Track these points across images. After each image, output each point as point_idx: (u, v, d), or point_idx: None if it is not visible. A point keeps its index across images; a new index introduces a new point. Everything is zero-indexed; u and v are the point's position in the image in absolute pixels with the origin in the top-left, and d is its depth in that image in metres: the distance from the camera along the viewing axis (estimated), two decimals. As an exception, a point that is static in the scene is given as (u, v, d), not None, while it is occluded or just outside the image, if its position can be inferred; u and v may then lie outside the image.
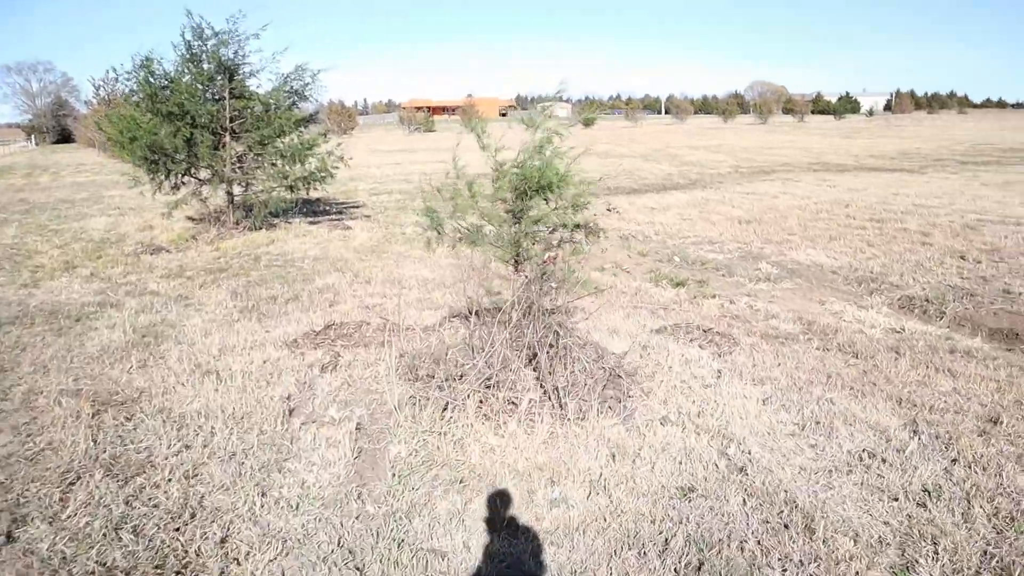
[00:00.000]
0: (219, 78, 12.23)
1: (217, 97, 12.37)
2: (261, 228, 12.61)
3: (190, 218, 14.03)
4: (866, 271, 9.47)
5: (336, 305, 7.84)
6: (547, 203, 5.07)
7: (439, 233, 5.34)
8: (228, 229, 12.49)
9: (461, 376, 4.99)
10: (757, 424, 4.67)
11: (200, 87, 12.03)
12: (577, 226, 5.10)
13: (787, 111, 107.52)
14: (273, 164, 12.63)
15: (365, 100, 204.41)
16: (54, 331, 7.05)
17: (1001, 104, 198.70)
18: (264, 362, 5.94)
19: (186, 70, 12.05)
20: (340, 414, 4.83)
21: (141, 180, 12.20)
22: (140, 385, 5.54)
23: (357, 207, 16.45)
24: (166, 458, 4.31)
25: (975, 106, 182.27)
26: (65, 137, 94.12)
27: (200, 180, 12.61)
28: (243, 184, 12.85)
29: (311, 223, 13.76)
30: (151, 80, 11.56)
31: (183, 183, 12.66)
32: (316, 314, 7.48)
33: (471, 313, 7.11)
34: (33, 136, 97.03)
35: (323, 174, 12.69)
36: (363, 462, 4.23)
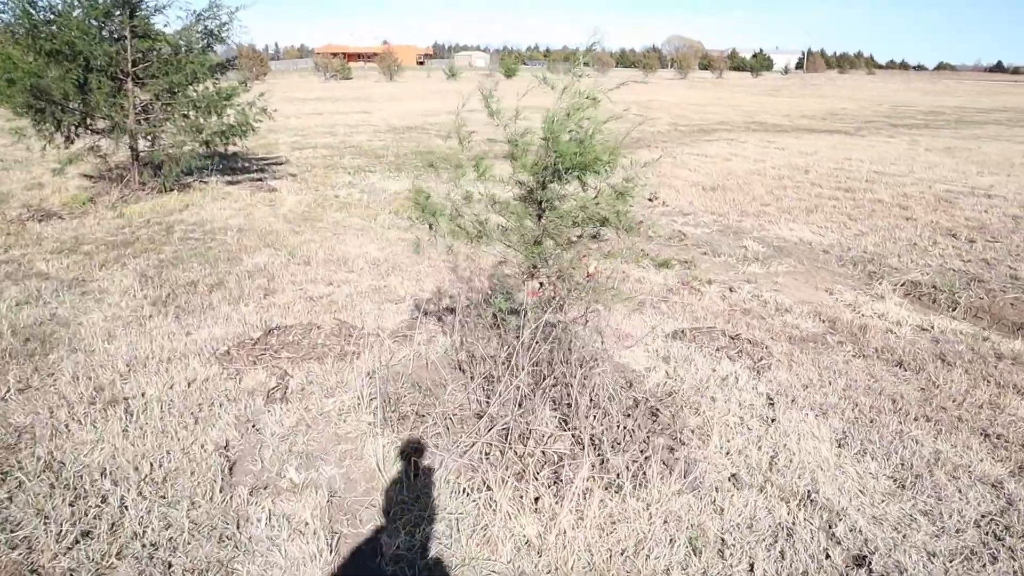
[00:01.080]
0: (117, 13, 10.41)
1: (116, 36, 10.55)
2: (172, 189, 10.94)
3: (87, 176, 12.20)
4: (859, 251, 8.66)
5: (273, 295, 6.47)
6: (584, 189, 3.85)
7: (432, 228, 4.04)
8: (133, 190, 10.79)
9: (461, 418, 3.79)
10: (845, 480, 3.64)
11: (95, 23, 10.19)
12: (612, 220, 3.89)
13: (704, 67, 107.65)
14: (185, 116, 10.93)
15: (276, 45, 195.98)
16: (-93, 334, 5.51)
17: (904, 66, 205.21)
18: (189, 385, 4.59)
19: (76, 2, 10.18)
20: (302, 475, 3.56)
21: (25, 132, 10.36)
22: (19, 422, 4.14)
23: (280, 164, 14.78)
24: (55, 558, 3.00)
25: (880, 67, 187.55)
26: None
27: (98, 132, 10.82)
28: (149, 138, 11.11)
29: (230, 183, 12.13)
30: (32, 12, 9.68)
31: (77, 135, 10.85)
32: (249, 307, 6.12)
33: (445, 310, 5.89)
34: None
35: (244, 128, 11.07)
36: (345, 563, 3.00)
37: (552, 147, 3.64)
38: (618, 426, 3.71)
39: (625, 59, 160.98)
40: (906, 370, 5.19)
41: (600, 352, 4.10)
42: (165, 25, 10.94)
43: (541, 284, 3.95)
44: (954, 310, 6.83)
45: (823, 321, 6.22)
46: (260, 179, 12.77)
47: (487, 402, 3.90)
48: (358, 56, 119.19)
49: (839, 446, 3.99)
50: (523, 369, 3.75)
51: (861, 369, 5.14)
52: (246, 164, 14.37)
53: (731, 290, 7.04)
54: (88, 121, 10.57)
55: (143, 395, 4.44)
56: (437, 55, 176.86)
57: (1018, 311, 6.85)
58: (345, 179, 13.01)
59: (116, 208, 9.96)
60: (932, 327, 6.18)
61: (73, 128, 10.59)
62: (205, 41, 10.96)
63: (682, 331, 5.65)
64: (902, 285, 7.43)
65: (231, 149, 12.40)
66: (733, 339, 5.47)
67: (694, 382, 4.69)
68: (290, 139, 18.72)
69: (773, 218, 10.14)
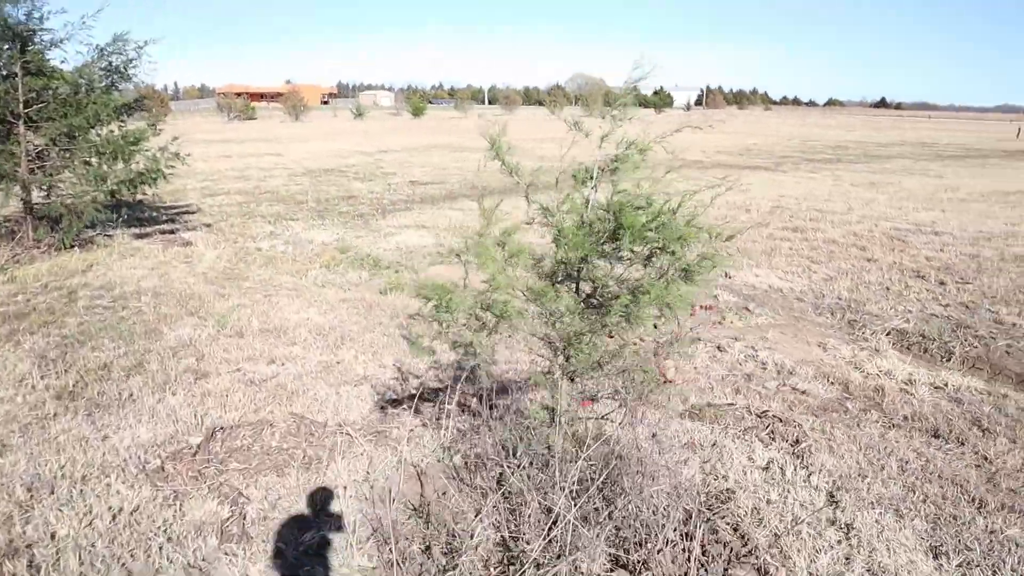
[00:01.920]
0: (6, 47, 9.22)
1: (4, 73, 9.34)
2: (73, 247, 9.70)
3: (-31, 230, 10.82)
4: (833, 297, 8.26)
5: (205, 379, 5.47)
6: (647, 266, 3.10)
7: (443, 326, 3.22)
8: (27, 249, 9.49)
9: (487, 561, 2.97)
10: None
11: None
12: (676, 305, 3.13)
13: (607, 104, 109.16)
14: (87, 163, 9.76)
15: (176, 84, 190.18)
16: None
17: (796, 102, 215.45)
18: (114, 518, 3.59)
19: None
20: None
21: None
22: None
23: (191, 213, 13.58)
24: None
25: (774, 103, 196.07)
26: None
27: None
28: (45, 188, 9.87)
29: (138, 236, 10.93)
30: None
31: (-42, 187, 9.54)
32: (178, 397, 5.11)
33: (419, 398, 5.04)
34: None
35: (154, 175, 9.97)
36: None
37: (613, 221, 2.89)
38: (687, 557, 2.96)
39: (530, 97, 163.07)
40: (947, 441, 4.66)
41: (657, 464, 3.35)
42: (63, 61, 9.73)
43: (593, 398, 3.18)
44: (949, 360, 6.45)
45: (832, 383, 5.67)
46: (172, 231, 11.60)
47: (516, 529, 3.09)
48: (261, 96, 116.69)
49: (935, 557, 3.35)
50: (565, 491, 2.96)
51: (904, 445, 4.56)
52: (154, 214, 13.12)
53: (720, 349, 6.43)
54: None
55: (52, 537, 3.43)
56: (341, 94, 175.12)
57: (1016, 360, 6.50)
58: (266, 229, 11.98)
59: (5, 270, 8.68)
60: (946, 384, 5.72)
61: (-47, 179, 9.28)
62: (109, 79, 9.84)
63: (698, 408, 4.96)
64: (887, 335, 7.01)
65: (137, 197, 11.23)
66: (760, 417, 4.82)
67: (731, 474, 3.99)
68: (199, 184, 17.43)
69: (735, 262, 9.69)
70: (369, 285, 8.61)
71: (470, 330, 3.11)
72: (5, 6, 8.99)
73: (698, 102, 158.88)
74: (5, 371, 5.62)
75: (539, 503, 3.14)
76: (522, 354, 5.55)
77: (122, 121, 10.08)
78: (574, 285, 3.20)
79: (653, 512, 3.21)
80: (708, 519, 3.37)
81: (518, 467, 3.29)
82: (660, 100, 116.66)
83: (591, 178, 3.18)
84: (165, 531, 3.47)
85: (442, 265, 9.64)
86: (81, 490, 3.85)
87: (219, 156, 25.36)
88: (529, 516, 3.14)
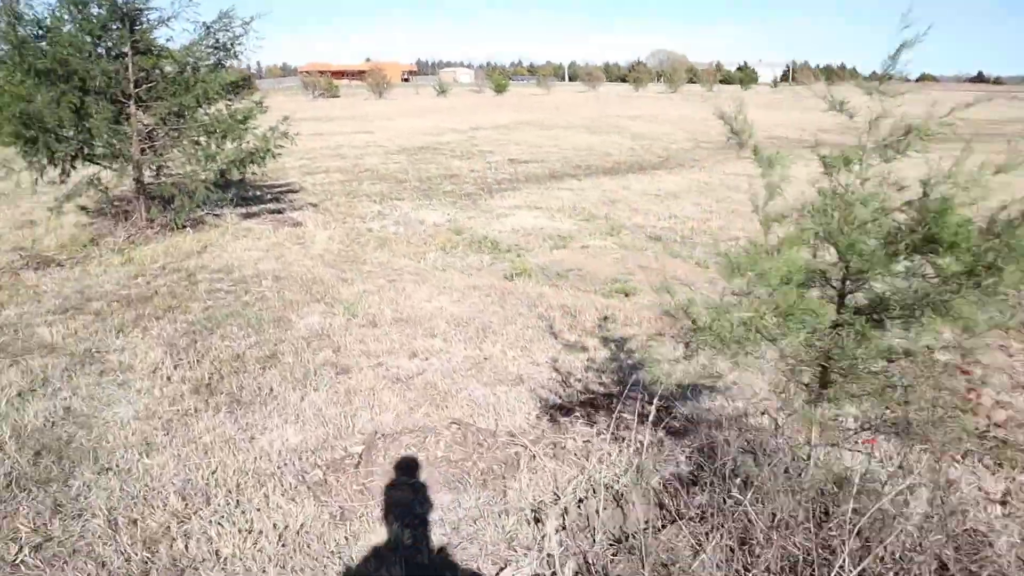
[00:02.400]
0: (115, 27, 9.04)
1: (115, 53, 9.17)
2: (185, 227, 9.54)
3: (84, 209, 10.76)
4: None
5: (347, 375, 5.08)
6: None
7: (689, 345, 2.65)
8: (140, 229, 9.37)
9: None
10: None
11: (89, 39, 8.79)
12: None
13: (692, 81, 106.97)
14: (196, 142, 9.55)
15: (258, 64, 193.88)
16: None
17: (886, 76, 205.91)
18: (280, 538, 3.20)
19: (67, 16, 8.80)
20: None
21: (13, 166, 8.94)
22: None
23: (295, 192, 13.39)
24: None
25: (865, 79, 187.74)
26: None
27: (99, 163, 9.42)
28: (155, 168, 9.72)
29: (247, 216, 10.75)
30: (18, 27, 8.29)
31: (74, 167, 9.44)
32: (320, 394, 4.74)
33: (587, 404, 4.53)
34: None
35: (263, 155, 9.71)
36: None
37: (922, 226, 2.28)
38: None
39: (611, 73, 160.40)
40: None
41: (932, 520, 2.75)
42: (169, 39, 9.49)
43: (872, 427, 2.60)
44: None
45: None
46: (279, 211, 11.39)
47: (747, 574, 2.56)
48: (342, 74, 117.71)
49: None
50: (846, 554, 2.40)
51: None
52: (258, 193, 12.97)
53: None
54: (85, 150, 9.16)
55: (218, 557, 3.06)
56: (421, 71, 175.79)
57: None
58: (372, 208, 11.66)
59: (123, 252, 8.54)
60: None
61: (69, 159, 9.18)
62: (215, 57, 9.59)
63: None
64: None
65: (236, 175, 11.03)
66: None
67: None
68: (297, 163, 17.29)
69: None
70: (492, 270, 8.16)
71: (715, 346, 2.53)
72: (117, -17, 8.80)
73: (784, 78, 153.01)
74: (137, 359, 5.37)
75: (782, 547, 2.60)
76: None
77: (229, 99, 9.83)
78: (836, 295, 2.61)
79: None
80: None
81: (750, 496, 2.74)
82: (746, 76, 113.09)
83: (859, 162, 2.55)
84: (340, 557, 3.06)
85: (565, 250, 9.13)
86: (238, 501, 3.48)
87: (311, 134, 25.34)
88: (767, 560, 2.61)
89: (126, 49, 9.00)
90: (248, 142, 9.57)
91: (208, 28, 9.42)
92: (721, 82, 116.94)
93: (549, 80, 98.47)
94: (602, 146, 21.66)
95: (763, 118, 34.14)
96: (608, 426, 3.93)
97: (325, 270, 7.79)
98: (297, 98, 62.73)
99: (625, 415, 4.03)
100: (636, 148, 21.41)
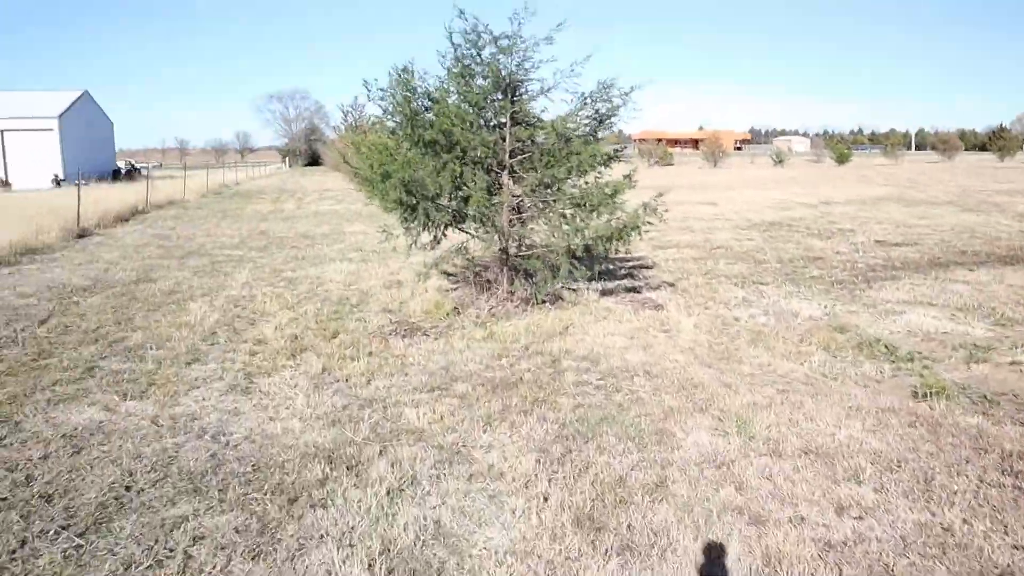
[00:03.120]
0: (497, 98, 8.99)
1: (492, 123, 9.13)
2: (544, 302, 9.17)
3: (446, 275, 10.95)
4: None
5: (760, 527, 3.95)
6: None
7: None
8: (500, 301, 9.15)
9: None
10: None
11: (471, 110, 8.80)
12: None
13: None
14: (562, 215, 9.17)
15: (619, 132, 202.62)
16: (251, 552, 3.76)
17: None
18: None
19: (453, 87, 8.90)
20: None
21: (393, 231, 9.20)
22: None
23: (647, 268, 12.71)
24: None
25: None
26: (314, 160, 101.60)
27: (467, 231, 9.42)
28: (518, 239, 9.50)
29: (603, 293, 10.18)
30: (411, 99, 8.49)
31: (444, 235, 9.53)
32: (734, 550, 3.69)
33: None
34: (287, 159, 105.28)
35: (631, 231, 9.06)
36: None
37: None
38: None
39: (966, 140, 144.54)
40: None
41: None
42: (543, 110, 9.21)
43: None
44: None
45: None
46: (635, 288, 10.71)
47: None
48: (675, 142, 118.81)
49: None
50: None
51: None
52: (611, 267, 12.46)
53: None
54: (457, 220, 9.16)
55: None
56: (754, 140, 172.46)
57: None
58: (735, 293, 10.54)
59: (485, 326, 8.29)
60: None
61: (442, 227, 9.24)
62: (591, 127, 9.19)
63: None
64: None
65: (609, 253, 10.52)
66: None
67: None
68: (647, 235, 16.72)
69: None
70: (895, 384, 6.61)
71: None
72: (499, 57, 8.74)
73: None
74: (507, 464, 4.74)
75: None
76: None
77: (599, 173, 9.35)
78: None
79: None
80: None
81: None
82: None
83: None
84: None
85: (986, 364, 7.27)
86: None
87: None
88: None
89: (504, 119, 8.90)
90: (618, 217, 8.98)
91: (585, 99, 9.05)
92: None
93: (897, 149, 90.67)
94: (985, 228, 18.51)
95: None
96: None
97: (701, 369, 6.79)
98: (632, 164, 63.86)
99: None
100: (1034, 232, 17.99)
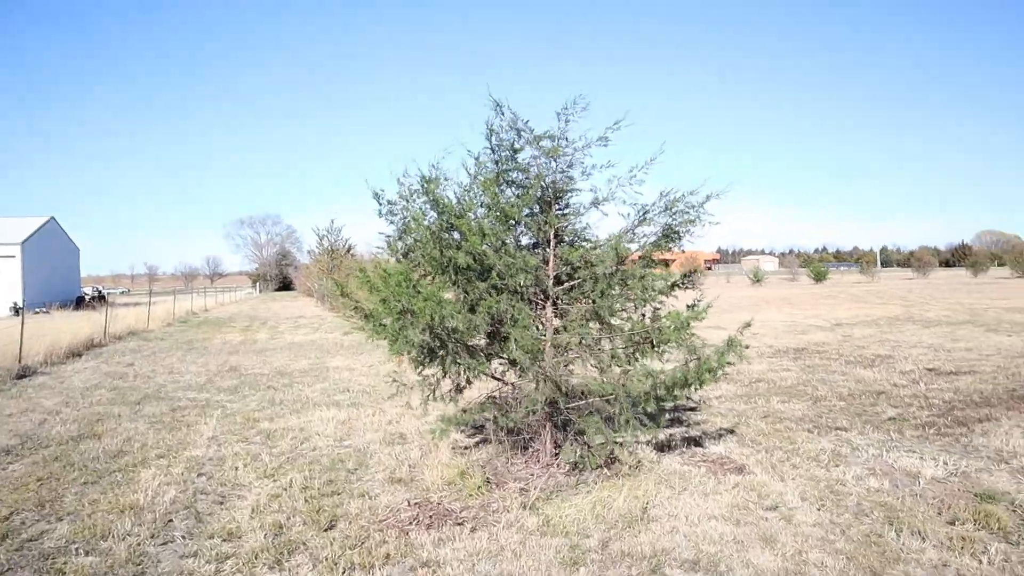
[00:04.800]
0: (536, 211, 7.28)
1: (535, 241, 7.37)
2: (599, 466, 7.17)
3: (463, 427, 8.92)
4: None
5: None
6: None
7: None
8: (545, 466, 7.13)
9: None
10: None
11: (501, 226, 7.04)
12: None
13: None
14: (614, 355, 7.30)
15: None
16: None
17: None
18: None
19: (480, 199, 7.17)
20: None
21: (406, 382, 7.25)
22: None
23: (690, 409, 10.76)
24: None
25: None
26: (285, 285, 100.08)
27: (497, 378, 7.50)
28: (565, 388, 7.55)
29: (657, 448, 8.23)
30: (439, 212, 6.71)
31: (469, 382, 7.58)
32: None
33: None
34: (258, 284, 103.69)
35: (711, 374, 7.19)
36: None
37: None
38: None
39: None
40: None
41: None
42: (585, 227, 7.45)
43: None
44: None
45: None
46: (692, 439, 8.73)
47: None
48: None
49: None
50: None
51: None
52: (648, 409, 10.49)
53: None
54: (490, 362, 7.25)
55: None
56: (722, 259, 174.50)
57: None
58: (818, 444, 8.61)
59: (535, 508, 6.23)
60: None
61: (469, 374, 7.30)
62: (654, 244, 7.43)
63: None
64: None
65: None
66: None
67: None
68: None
69: None
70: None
71: None
72: (541, 160, 7.09)
73: None
74: None
75: None
76: None
77: (660, 303, 7.56)
78: None
79: None
80: None
81: None
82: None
83: None
84: None
85: None
86: None
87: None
88: None
89: (549, 237, 7.15)
90: (696, 357, 7.12)
91: (644, 212, 7.34)
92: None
93: (871, 267, 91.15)
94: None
95: None
96: None
97: (869, 582, 4.79)
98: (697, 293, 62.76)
99: None
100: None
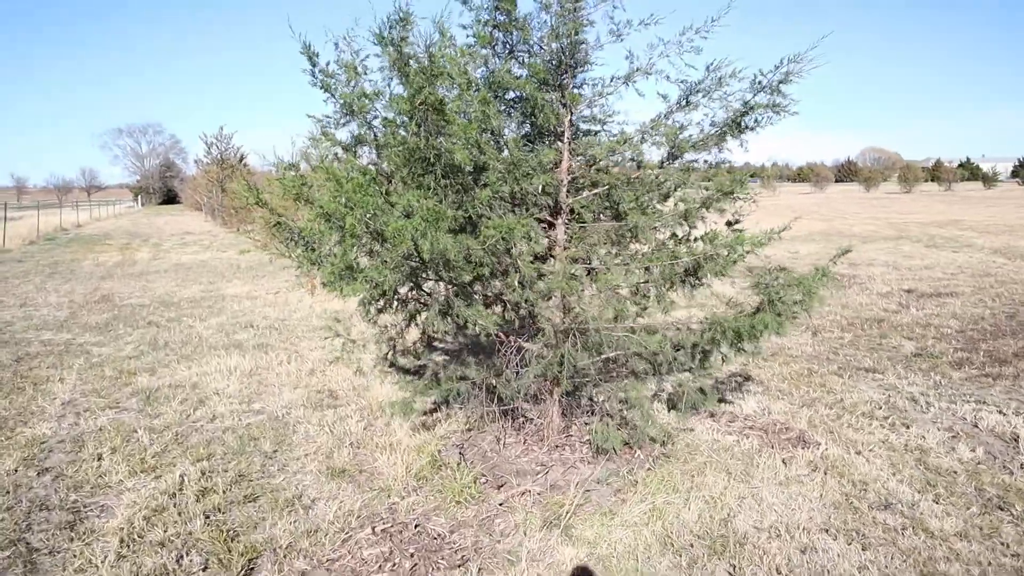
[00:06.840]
0: (550, 95, 4.97)
1: (545, 130, 5.10)
2: (635, 447, 5.16)
3: (406, 372, 6.72)
4: None
5: None
6: None
7: None
8: (551, 447, 5.07)
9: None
10: None
11: (502, 112, 4.77)
12: None
13: (933, 179, 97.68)
14: (659, 298, 5.25)
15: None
16: None
17: None
18: None
19: (472, 70, 4.81)
20: None
21: (347, 334, 4.99)
22: None
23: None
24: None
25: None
26: (170, 198, 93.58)
27: (481, 324, 5.31)
28: (576, 338, 5.44)
29: (674, 407, 6.30)
30: (416, 71, 4.31)
31: (446, 334, 5.36)
32: None
33: None
34: (140, 197, 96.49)
35: (779, 323, 5.22)
36: None
37: None
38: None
39: (806, 173, 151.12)
40: None
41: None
42: (610, 114, 5.19)
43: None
44: None
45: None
46: (708, 387, 6.84)
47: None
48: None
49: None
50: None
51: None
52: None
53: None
54: (489, 313, 5.02)
55: None
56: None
57: None
58: (864, 394, 6.94)
59: (569, 528, 4.17)
60: None
61: (443, 328, 5.08)
62: (711, 140, 5.27)
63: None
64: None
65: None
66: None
67: None
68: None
69: None
70: None
71: None
72: (557, 24, 4.80)
73: (1014, 174, 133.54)
74: None
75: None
76: None
77: (703, 216, 5.49)
78: None
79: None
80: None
81: None
82: (981, 173, 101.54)
83: None
84: None
85: None
86: None
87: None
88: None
89: (563, 127, 4.90)
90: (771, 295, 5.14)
91: (689, 92, 5.15)
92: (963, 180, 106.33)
93: (772, 182, 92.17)
94: (995, 269, 15.85)
95: None
96: None
97: None
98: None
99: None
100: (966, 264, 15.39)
